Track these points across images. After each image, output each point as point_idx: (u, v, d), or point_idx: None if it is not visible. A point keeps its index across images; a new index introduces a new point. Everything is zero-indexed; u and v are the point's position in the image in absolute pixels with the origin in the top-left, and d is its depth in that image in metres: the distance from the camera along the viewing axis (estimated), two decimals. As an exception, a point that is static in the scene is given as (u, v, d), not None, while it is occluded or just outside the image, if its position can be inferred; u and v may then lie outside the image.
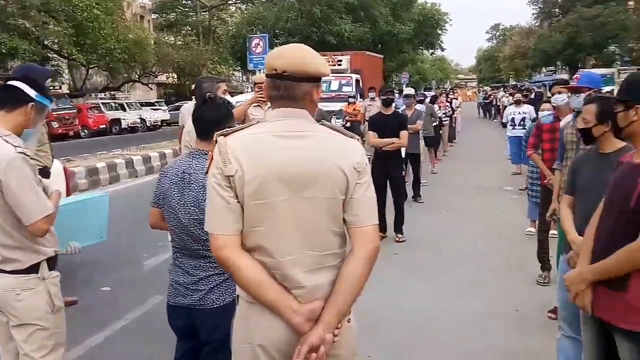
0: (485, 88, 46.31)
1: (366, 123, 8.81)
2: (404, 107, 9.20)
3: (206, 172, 1.79)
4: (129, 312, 4.56)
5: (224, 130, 1.78)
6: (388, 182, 6.66)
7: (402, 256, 6.05)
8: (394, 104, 6.95)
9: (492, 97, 31.94)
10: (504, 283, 5.18)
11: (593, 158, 2.95)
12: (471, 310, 4.53)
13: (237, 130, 1.77)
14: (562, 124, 4.17)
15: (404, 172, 7.01)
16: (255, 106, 6.03)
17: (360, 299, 1.77)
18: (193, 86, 10.47)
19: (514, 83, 47.19)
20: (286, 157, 1.69)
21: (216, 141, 1.73)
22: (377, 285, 4.97)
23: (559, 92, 4.57)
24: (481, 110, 34.18)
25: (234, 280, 1.77)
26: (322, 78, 1.86)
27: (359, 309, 1.86)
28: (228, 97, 5.95)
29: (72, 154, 13.61)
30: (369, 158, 2.18)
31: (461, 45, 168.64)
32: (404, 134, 6.64)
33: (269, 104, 6.59)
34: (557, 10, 43.23)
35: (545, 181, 4.80)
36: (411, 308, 4.60)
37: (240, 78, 43.45)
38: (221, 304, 2.46)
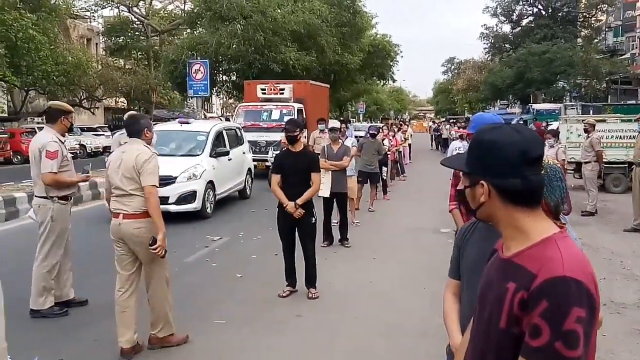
0: (437, 120, 46.75)
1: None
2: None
3: None
4: None
5: None
6: (296, 231, 5.85)
7: (305, 319, 5.23)
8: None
9: (441, 129, 31.92)
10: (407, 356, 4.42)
11: (480, 228, 2.21)
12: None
13: None
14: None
15: (314, 219, 6.01)
16: None
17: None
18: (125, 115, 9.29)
19: (468, 115, 47.79)
20: None
21: None
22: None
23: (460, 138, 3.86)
24: (433, 143, 34.14)
25: None
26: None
27: None
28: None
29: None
30: None
31: (419, 77, 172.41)
32: (315, 176, 5.83)
33: None
34: (507, 45, 44.11)
35: None
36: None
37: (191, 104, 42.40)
38: None
